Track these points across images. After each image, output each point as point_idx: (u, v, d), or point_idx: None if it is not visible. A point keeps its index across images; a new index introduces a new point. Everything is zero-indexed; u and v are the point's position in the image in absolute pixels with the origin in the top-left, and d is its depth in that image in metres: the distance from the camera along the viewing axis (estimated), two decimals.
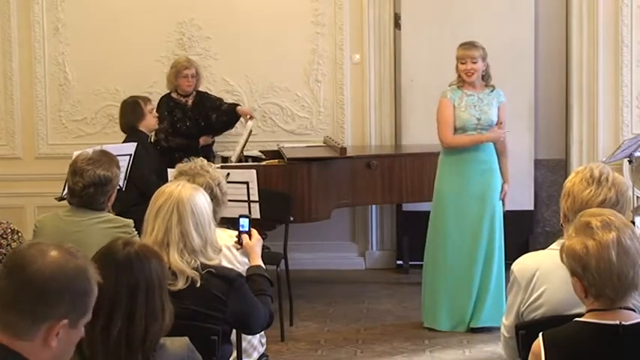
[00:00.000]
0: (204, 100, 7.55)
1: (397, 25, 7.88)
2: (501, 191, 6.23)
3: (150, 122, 7.08)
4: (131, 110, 7.08)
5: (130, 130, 7.03)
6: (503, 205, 6.26)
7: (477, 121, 6.16)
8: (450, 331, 6.22)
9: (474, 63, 6.16)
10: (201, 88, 7.80)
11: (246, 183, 5.80)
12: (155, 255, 2.81)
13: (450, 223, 6.21)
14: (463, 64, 6.18)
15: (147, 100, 7.23)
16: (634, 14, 7.66)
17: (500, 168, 6.26)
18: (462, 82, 6.23)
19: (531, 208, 7.80)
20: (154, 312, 2.68)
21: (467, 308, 6.22)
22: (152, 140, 7.22)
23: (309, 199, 6.70)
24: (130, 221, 4.50)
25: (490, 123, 6.18)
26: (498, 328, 5.74)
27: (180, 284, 3.41)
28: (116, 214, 4.72)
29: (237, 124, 7.89)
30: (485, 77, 6.26)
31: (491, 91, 6.26)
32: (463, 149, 6.19)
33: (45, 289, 2.14)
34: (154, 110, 7.16)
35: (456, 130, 6.19)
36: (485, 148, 6.23)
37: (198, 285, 3.43)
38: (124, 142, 6.89)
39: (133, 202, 6.16)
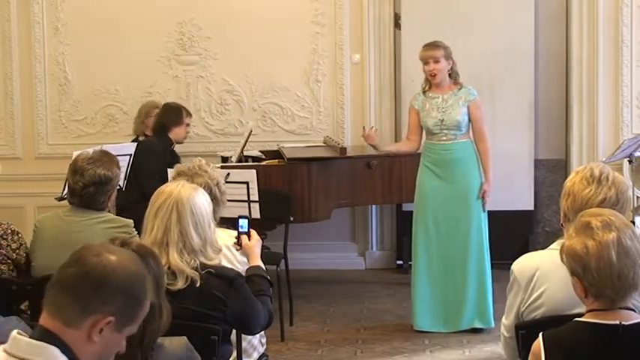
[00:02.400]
0: None
1: (397, 25, 7.88)
2: (480, 189, 6.21)
3: (181, 133, 7.16)
4: (173, 112, 7.17)
5: (160, 131, 7.07)
6: (484, 204, 6.22)
7: (440, 123, 6.15)
8: (446, 332, 6.22)
9: (437, 63, 6.13)
10: (202, 89, 7.85)
11: (246, 183, 5.80)
12: (152, 255, 2.80)
13: (428, 223, 6.20)
14: (426, 65, 6.17)
15: (189, 113, 7.30)
16: (634, 14, 7.66)
17: (482, 167, 6.24)
18: (428, 85, 6.22)
19: (531, 208, 7.79)
20: (152, 311, 2.68)
21: (444, 308, 6.21)
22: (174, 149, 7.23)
23: (309, 199, 6.70)
24: (130, 221, 4.50)
25: (456, 123, 6.15)
26: (495, 329, 5.78)
27: (180, 284, 3.41)
28: (117, 209, 4.72)
29: (237, 125, 7.92)
30: (453, 75, 6.22)
31: (459, 89, 6.22)
32: (437, 150, 6.19)
33: (103, 281, 2.21)
34: (189, 127, 7.22)
35: (426, 133, 6.24)
36: (461, 147, 6.20)
37: (198, 285, 3.43)
38: (145, 139, 6.96)
39: (135, 199, 6.16)
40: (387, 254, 8.09)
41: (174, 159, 7.27)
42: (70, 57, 8.02)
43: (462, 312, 6.20)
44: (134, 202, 5.98)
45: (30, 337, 2.20)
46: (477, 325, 6.19)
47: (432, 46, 6.18)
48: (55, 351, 2.16)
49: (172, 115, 7.14)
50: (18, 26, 8.00)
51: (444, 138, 6.17)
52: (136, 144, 6.58)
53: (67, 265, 2.25)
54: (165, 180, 5.53)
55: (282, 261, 6.35)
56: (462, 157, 6.19)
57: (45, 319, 2.22)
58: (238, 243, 3.90)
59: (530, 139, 7.72)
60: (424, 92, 6.26)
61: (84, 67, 8.00)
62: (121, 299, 2.22)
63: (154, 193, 3.59)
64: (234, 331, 3.71)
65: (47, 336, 2.19)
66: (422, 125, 6.24)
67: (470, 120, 6.19)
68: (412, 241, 6.34)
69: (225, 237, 3.96)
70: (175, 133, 7.11)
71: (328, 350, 5.97)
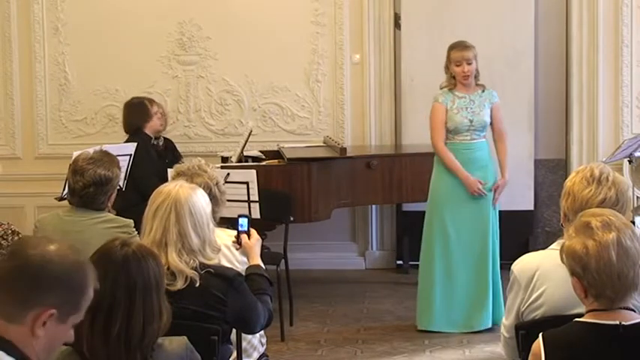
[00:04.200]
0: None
1: (397, 25, 7.88)
2: (494, 184, 6.21)
3: (155, 124, 7.15)
4: (137, 112, 7.12)
5: (135, 131, 7.05)
6: (494, 198, 6.20)
7: (469, 123, 6.16)
8: (448, 332, 6.21)
9: (469, 64, 6.14)
10: (202, 89, 7.84)
11: (246, 183, 5.80)
12: (152, 255, 2.81)
13: (445, 223, 6.20)
14: (458, 66, 6.15)
15: (152, 101, 7.27)
16: (634, 14, 7.66)
17: (501, 165, 6.25)
18: (453, 84, 6.22)
19: (531, 208, 7.79)
20: (152, 312, 2.68)
21: (462, 309, 6.21)
22: (154, 143, 7.22)
23: (309, 199, 6.69)
24: (130, 221, 4.50)
25: (483, 124, 6.19)
26: (498, 328, 5.77)
27: (180, 284, 3.41)
28: (117, 212, 4.72)
29: (237, 124, 7.92)
30: (477, 76, 6.24)
31: (483, 91, 6.24)
32: (458, 149, 6.19)
33: (40, 273, 2.17)
34: (159, 112, 7.19)
35: (449, 132, 6.20)
36: (481, 147, 6.23)
37: (198, 285, 3.42)
38: (126, 142, 6.90)
39: (135, 201, 6.16)
40: (387, 254, 8.09)
41: (173, 156, 7.26)
42: (70, 57, 8.02)
43: (483, 311, 6.18)
44: (134, 205, 5.97)
45: None
46: (490, 323, 6.18)
47: (464, 46, 6.15)
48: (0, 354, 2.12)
49: (138, 114, 7.11)
50: (18, 26, 8.00)
51: (469, 137, 6.19)
52: (136, 144, 6.57)
53: (3, 261, 2.22)
54: (163, 177, 5.54)
55: (282, 261, 6.35)
56: (480, 156, 6.22)
57: None
58: (238, 242, 3.90)
59: (530, 139, 7.72)
60: (450, 90, 6.25)
61: (84, 67, 8.00)
62: (60, 290, 2.18)
63: (153, 194, 3.59)
64: (234, 331, 3.71)
65: None
66: (447, 123, 6.22)
67: (491, 121, 6.23)
68: (425, 243, 6.30)
69: (225, 237, 3.96)
70: (150, 127, 7.11)
71: (328, 350, 5.97)
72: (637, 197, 7.05)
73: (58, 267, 2.19)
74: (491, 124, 6.27)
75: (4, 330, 2.15)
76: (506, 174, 6.24)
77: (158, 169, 6.66)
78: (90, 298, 2.27)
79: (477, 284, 6.20)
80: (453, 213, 6.19)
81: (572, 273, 2.75)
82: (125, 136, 7.18)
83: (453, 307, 6.22)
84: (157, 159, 7.03)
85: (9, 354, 2.13)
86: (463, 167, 6.17)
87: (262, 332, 4.14)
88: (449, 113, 6.18)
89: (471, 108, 6.18)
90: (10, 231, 4.52)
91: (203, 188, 3.72)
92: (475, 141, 6.21)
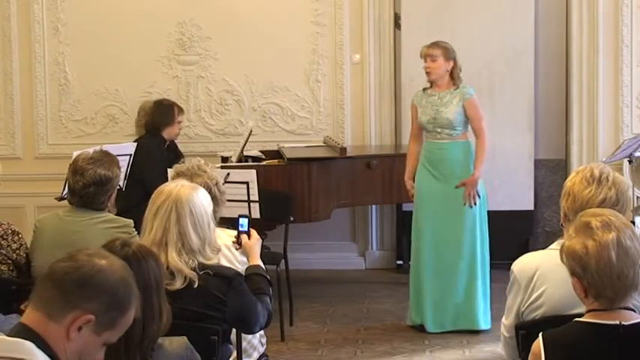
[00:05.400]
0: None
1: (397, 25, 7.88)
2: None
3: (173, 131, 7.24)
4: (163, 113, 7.21)
5: (153, 131, 7.11)
6: (468, 199, 6.11)
7: (433, 121, 6.19)
8: (449, 332, 6.21)
9: (433, 61, 6.18)
10: (202, 89, 7.83)
11: (246, 183, 5.80)
12: (152, 255, 2.81)
13: (426, 223, 6.21)
14: (425, 61, 6.24)
15: (181, 110, 7.34)
16: (634, 14, 7.66)
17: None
18: (430, 83, 6.27)
19: (531, 208, 7.79)
20: (152, 312, 2.69)
21: (431, 307, 6.20)
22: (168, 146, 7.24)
23: (309, 199, 6.70)
24: (130, 221, 4.50)
25: (447, 122, 6.15)
26: (488, 330, 5.78)
27: (178, 284, 3.41)
28: (118, 212, 4.73)
29: (237, 124, 7.92)
30: (454, 77, 6.23)
31: (456, 89, 6.23)
32: (432, 148, 6.21)
33: (89, 278, 2.24)
34: (181, 123, 7.24)
35: (423, 131, 6.28)
36: (455, 147, 6.19)
37: (197, 285, 3.42)
38: (139, 139, 6.95)
39: (137, 201, 6.16)
40: (387, 254, 8.09)
41: (175, 155, 7.27)
42: (70, 57, 8.02)
43: (452, 312, 6.19)
44: (136, 205, 5.98)
45: (7, 335, 2.20)
46: (464, 327, 6.18)
47: (432, 44, 6.25)
48: (30, 346, 2.16)
49: (164, 116, 7.18)
50: (18, 26, 7.99)
51: (438, 136, 6.21)
52: (135, 144, 6.57)
53: (59, 261, 2.29)
54: (167, 177, 5.54)
55: (282, 261, 6.35)
56: (453, 158, 6.19)
57: (27, 314, 2.24)
58: (238, 242, 3.90)
59: (530, 139, 7.72)
60: (424, 90, 6.30)
61: (84, 67, 8.00)
62: (104, 300, 2.23)
63: (154, 193, 3.59)
64: (234, 330, 3.71)
65: (24, 332, 2.20)
66: (418, 122, 6.28)
67: (468, 119, 6.20)
68: (412, 242, 6.35)
69: (225, 237, 3.96)
70: (167, 132, 7.17)
71: (328, 350, 5.97)
72: (637, 197, 7.05)
73: (108, 278, 2.26)
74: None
75: (44, 327, 2.21)
76: (477, 171, 6.11)
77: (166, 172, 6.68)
78: (128, 323, 2.32)
79: (443, 282, 6.19)
80: (434, 214, 6.20)
81: (572, 273, 2.75)
82: (124, 136, 7.19)
83: (424, 305, 6.22)
84: (168, 162, 7.04)
85: (41, 349, 2.17)
86: (438, 168, 6.19)
87: (262, 332, 4.14)
88: (418, 111, 6.27)
89: (437, 105, 6.19)
90: (10, 231, 4.52)
91: (202, 188, 3.72)
92: (445, 141, 6.19)
